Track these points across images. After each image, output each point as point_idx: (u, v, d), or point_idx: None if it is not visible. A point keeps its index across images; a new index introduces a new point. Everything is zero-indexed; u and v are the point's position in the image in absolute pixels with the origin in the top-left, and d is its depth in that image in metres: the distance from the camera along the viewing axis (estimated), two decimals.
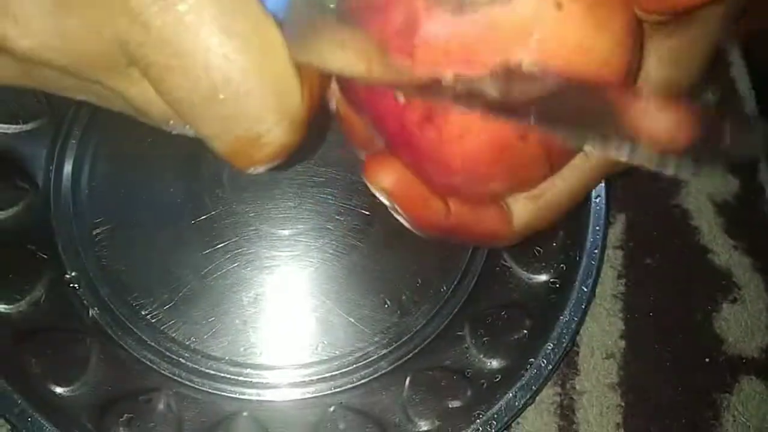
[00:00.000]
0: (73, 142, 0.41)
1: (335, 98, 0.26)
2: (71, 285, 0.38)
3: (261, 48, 0.19)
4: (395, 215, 0.25)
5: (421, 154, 0.23)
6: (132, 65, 0.19)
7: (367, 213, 0.41)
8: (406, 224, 0.25)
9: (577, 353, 0.39)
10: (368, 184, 0.24)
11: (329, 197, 0.41)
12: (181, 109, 0.20)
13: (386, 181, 0.24)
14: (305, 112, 0.21)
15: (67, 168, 0.40)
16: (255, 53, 0.19)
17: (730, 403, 0.39)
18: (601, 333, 0.39)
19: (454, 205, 0.25)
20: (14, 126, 0.40)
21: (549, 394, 0.38)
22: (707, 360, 0.39)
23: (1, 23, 0.18)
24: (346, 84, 0.24)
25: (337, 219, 0.40)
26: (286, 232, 0.40)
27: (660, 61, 0.24)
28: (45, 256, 0.38)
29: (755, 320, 0.40)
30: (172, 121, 0.21)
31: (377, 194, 0.24)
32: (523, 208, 0.25)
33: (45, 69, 0.20)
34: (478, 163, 0.22)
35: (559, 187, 0.25)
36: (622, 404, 0.38)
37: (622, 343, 0.39)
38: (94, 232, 0.39)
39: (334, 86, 0.25)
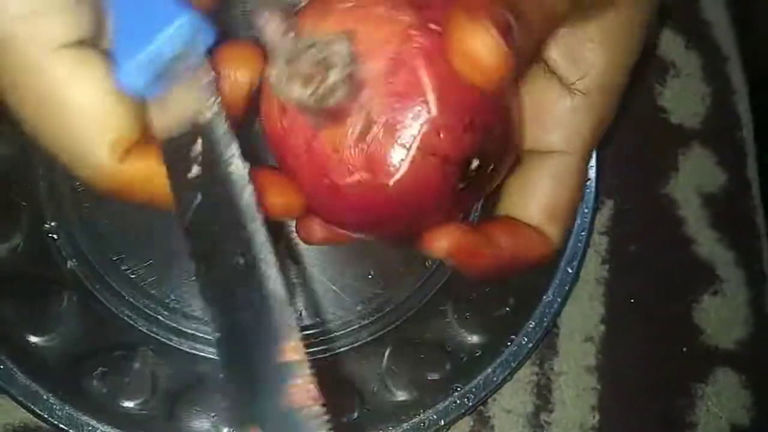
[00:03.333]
0: None
1: None
2: (50, 235, 0.37)
3: None
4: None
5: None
6: None
7: None
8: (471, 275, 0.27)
9: (557, 335, 0.39)
10: (430, 253, 0.25)
11: None
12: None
13: (445, 244, 0.25)
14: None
15: None
16: None
17: (704, 392, 0.39)
18: (581, 316, 0.39)
19: (504, 240, 0.26)
20: None
21: (527, 373, 0.38)
22: (684, 349, 0.40)
23: None
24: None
25: None
26: None
27: (597, 44, 0.26)
28: (24, 204, 0.37)
29: (734, 313, 0.41)
30: None
31: (437, 256, 0.26)
32: (555, 229, 0.28)
33: None
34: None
35: (565, 194, 0.28)
36: (598, 387, 0.38)
37: (602, 328, 0.39)
38: (77, 183, 0.38)
39: None
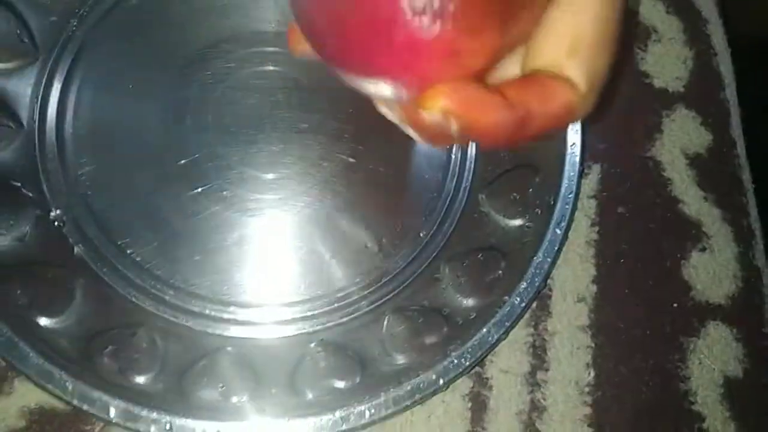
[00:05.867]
0: (58, 82, 0.41)
1: None
2: (56, 222, 0.39)
3: None
4: (468, 140, 0.25)
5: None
6: None
7: (351, 159, 0.41)
8: (480, 144, 0.25)
9: (550, 297, 0.40)
10: (426, 115, 0.23)
11: (313, 143, 0.41)
12: None
13: (445, 100, 0.22)
14: None
15: (52, 107, 0.41)
16: None
17: (696, 346, 0.40)
18: (573, 278, 0.40)
19: (513, 93, 0.23)
20: None
21: (522, 334, 0.39)
22: (675, 305, 0.41)
23: None
24: None
25: (321, 164, 0.41)
26: (270, 176, 0.41)
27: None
28: (30, 194, 0.39)
29: (723, 269, 0.42)
30: None
31: (436, 122, 0.23)
32: (576, 67, 0.24)
33: None
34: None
35: (586, 25, 0.24)
36: (592, 345, 0.39)
37: (594, 288, 0.40)
38: (79, 172, 0.40)
39: None
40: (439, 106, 0.22)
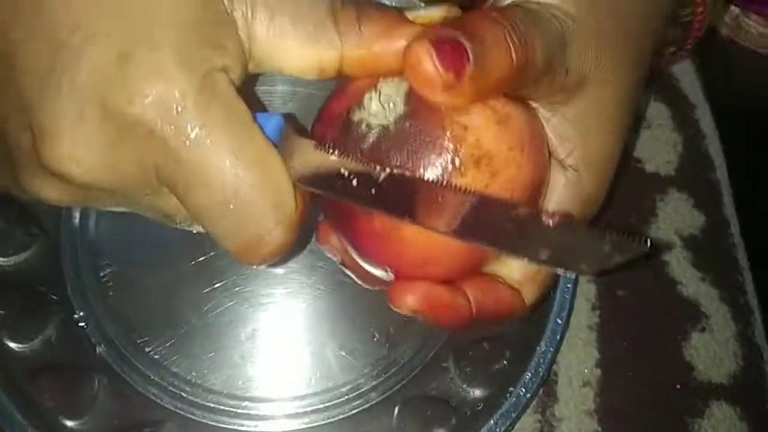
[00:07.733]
0: None
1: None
2: (80, 324, 0.40)
3: (263, 168, 0.25)
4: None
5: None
6: (163, 185, 0.25)
7: None
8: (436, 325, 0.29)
9: (556, 382, 0.41)
10: (396, 309, 0.28)
11: None
12: (199, 216, 0.25)
13: (412, 301, 0.27)
14: (298, 218, 0.26)
15: (76, 214, 0.43)
16: (258, 173, 0.24)
17: (701, 427, 0.41)
18: (577, 362, 0.42)
19: (473, 295, 0.28)
20: None
21: (530, 421, 0.40)
22: (679, 386, 0.42)
23: (67, 164, 0.24)
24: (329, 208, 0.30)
25: (328, 258, 0.43)
26: (281, 271, 0.43)
27: (573, 122, 0.28)
28: (55, 298, 0.41)
29: (723, 348, 0.43)
30: (191, 224, 0.28)
31: (402, 311, 0.28)
32: (531, 289, 0.30)
33: (95, 191, 0.25)
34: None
35: None
36: (600, 429, 0.40)
37: (598, 372, 0.41)
38: (101, 274, 0.42)
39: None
40: (408, 306, 0.27)
